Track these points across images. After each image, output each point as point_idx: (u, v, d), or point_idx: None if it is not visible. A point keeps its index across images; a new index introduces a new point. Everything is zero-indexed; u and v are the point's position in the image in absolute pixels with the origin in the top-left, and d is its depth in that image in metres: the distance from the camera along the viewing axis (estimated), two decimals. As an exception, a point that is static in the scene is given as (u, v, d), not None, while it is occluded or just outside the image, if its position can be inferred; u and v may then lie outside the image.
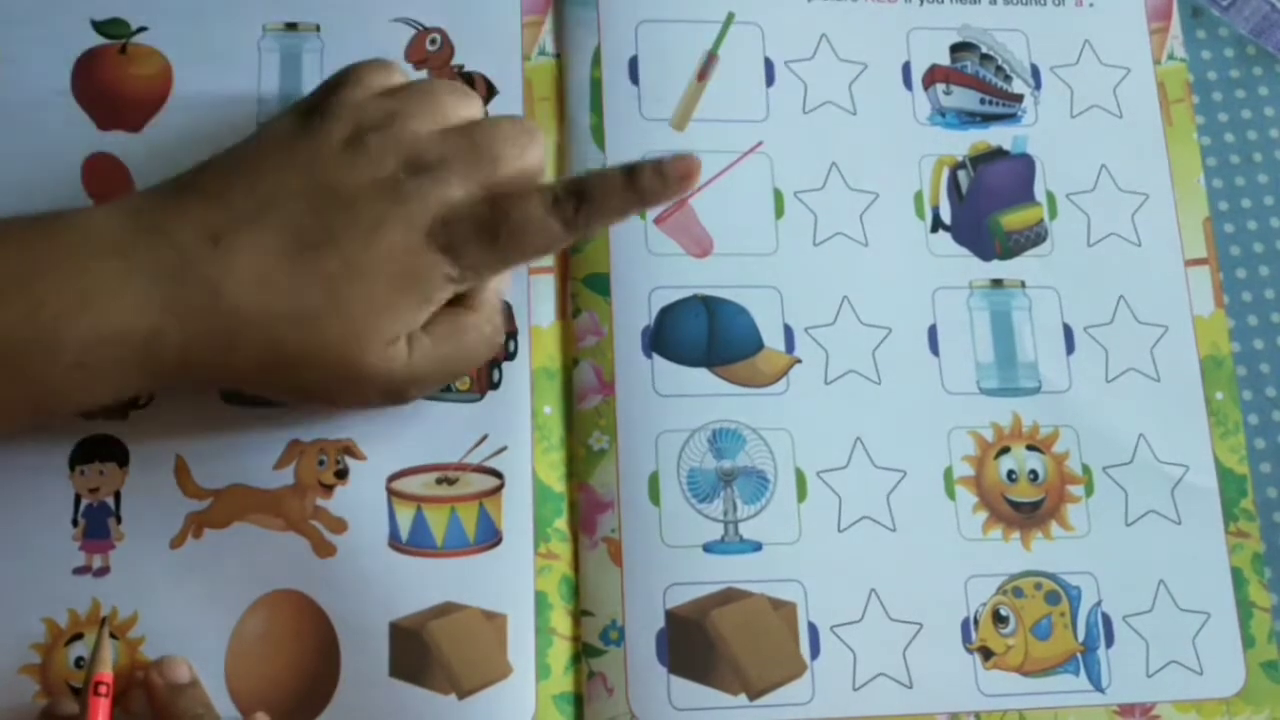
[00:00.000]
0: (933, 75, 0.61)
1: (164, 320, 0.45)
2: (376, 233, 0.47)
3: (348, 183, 0.47)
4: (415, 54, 0.57)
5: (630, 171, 0.48)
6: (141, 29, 0.57)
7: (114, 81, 0.56)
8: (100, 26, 0.57)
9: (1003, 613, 0.55)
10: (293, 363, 0.48)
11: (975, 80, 0.61)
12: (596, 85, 0.58)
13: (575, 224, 0.49)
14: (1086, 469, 0.57)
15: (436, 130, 0.49)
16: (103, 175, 0.55)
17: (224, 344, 0.46)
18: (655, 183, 0.48)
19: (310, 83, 0.56)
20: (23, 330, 0.45)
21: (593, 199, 0.48)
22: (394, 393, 0.50)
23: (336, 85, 0.50)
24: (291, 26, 0.57)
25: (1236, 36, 0.63)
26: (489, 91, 0.57)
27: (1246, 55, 0.63)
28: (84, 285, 0.45)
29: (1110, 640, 0.55)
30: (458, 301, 0.50)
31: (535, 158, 0.50)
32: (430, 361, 0.49)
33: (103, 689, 0.47)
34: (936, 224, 0.59)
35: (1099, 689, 0.54)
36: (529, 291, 0.56)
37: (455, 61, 0.57)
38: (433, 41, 0.58)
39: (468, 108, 0.51)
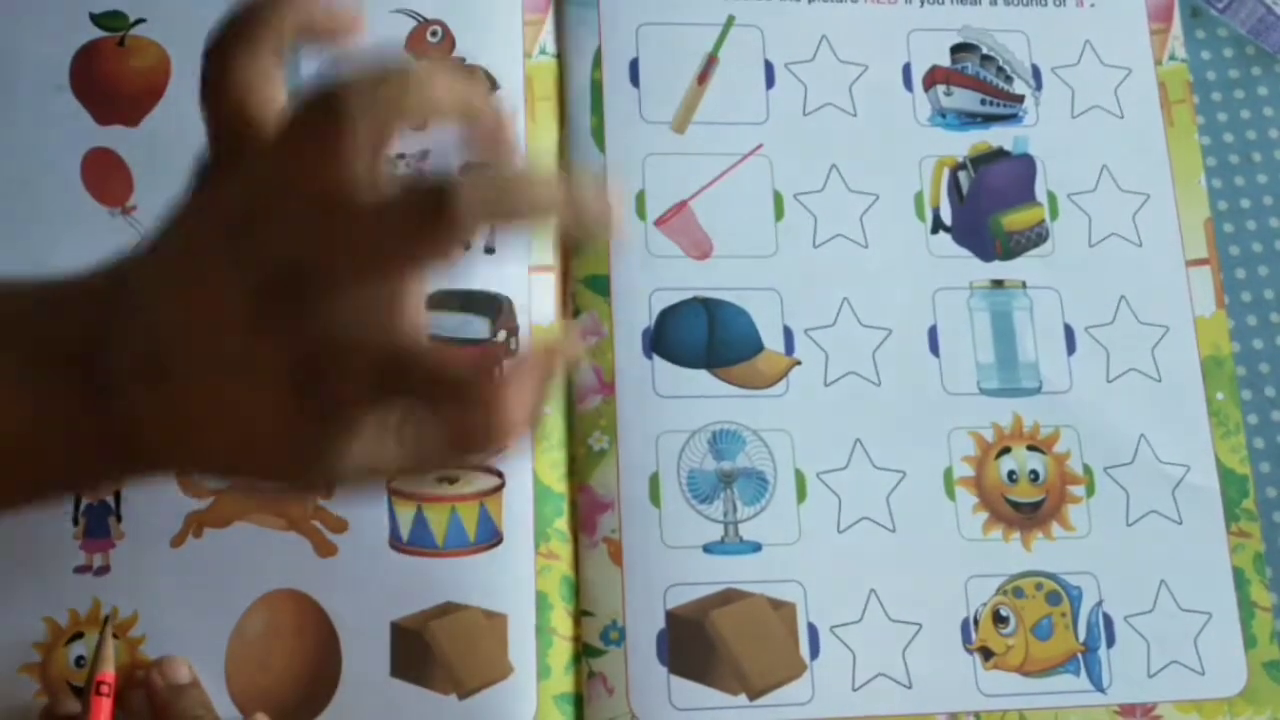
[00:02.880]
0: (933, 76, 0.61)
1: (75, 412, 0.37)
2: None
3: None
4: (416, 46, 0.57)
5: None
6: (140, 21, 0.57)
7: (113, 75, 0.56)
8: (99, 19, 0.57)
9: (1003, 613, 0.55)
10: (244, 480, 0.40)
11: (976, 81, 0.61)
12: (597, 87, 0.59)
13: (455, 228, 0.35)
14: (1087, 469, 0.57)
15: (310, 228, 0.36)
16: (102, 170, 0.55)
17: (132, 444, 0.38)
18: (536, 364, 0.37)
19: (309, 73, 0.56)
20: None
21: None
22: (400, 476, 0.42)
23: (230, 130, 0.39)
24: (291, 20, 0.57)
25: (1236, 37, 0.63)
26: (490, 85, 0.57)
27: (1246, 55, 0.63)
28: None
29: (1111, 640, 0.55)
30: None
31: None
32: (434, 441, 0.38)
33: (105, 688, 0.47)
34: (937, 225, 0.59)
35: (1100, 689, 0.54)
36: (530, 291, 0.56)
37: (456, 54, 0.57)
38: (434, 33, 0.58)
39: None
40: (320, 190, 0.36)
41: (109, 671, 0.48)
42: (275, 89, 0.39)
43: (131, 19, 0.57)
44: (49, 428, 0.38)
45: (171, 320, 0.37)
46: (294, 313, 0.36)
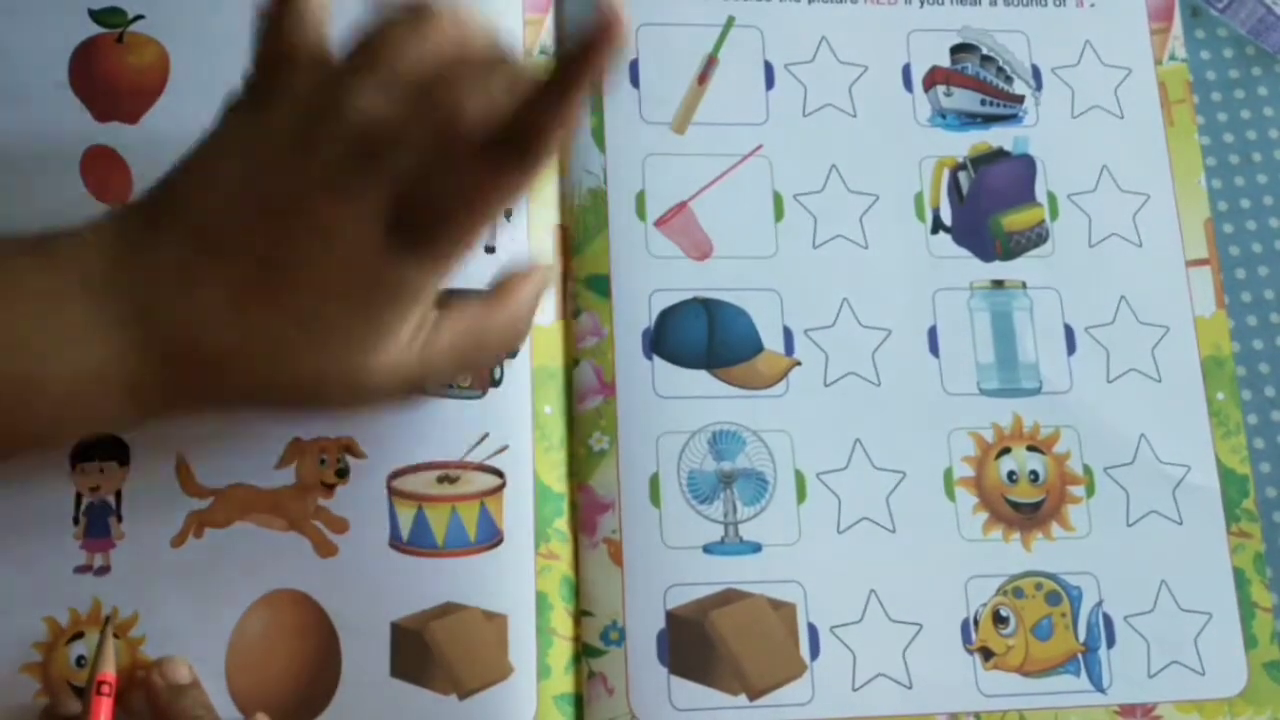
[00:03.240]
0: (933, 77, 0.61)
1: (143, 362, 0.44)
2: (331, 242, 0.43)
3: (297, 187, 0.44)
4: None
5: (553, 68, 0.42)
6: (138, 17, 0.57)
7: (111, 71, 0.56)
8: (98, 16, 0.57)
9: (1003, 613, 0.55)
10: (284, 395, 0.46)
11: (976, 81, 0.61)
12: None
13: (516, 163, 0.43)
14: (1087, 469, 0.57)
15: (393, 93, 0.44)
16: (101, 167, 0.55)
17: (206, 382, 0.45)
18: (580, 58, 0.41)
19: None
20: (4, 369, 0.43)
21: (522, 116, 0.42)
22: (411, 390, 0.48)
23: (277, 57, 0.46)
24: (291, 15, 0.57)
25: (1236, 37, 0.63)
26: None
27: (1246, 55, 0.63)
28: (66, 325, 0.44)
29: (1111, 640, 0.55)
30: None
31: (502, 84, 0.44)
32: (445, 349, 0.47)
33: (105, 688, 0.47)
34: (937, 225, 0.59)
35: (1100, 689, 0.54)
36: (530, 291, 0.56)
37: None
38: (434, 37, 0.58)
39: (437, 41, 0.45)
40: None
41: (110, 671, 0.48)
42: (326, 23, 0.47)
43: (130, 16, 0.57)
44: (115, 378, 0.44)
45: (257, 225, 0.44)
46: (374, 168, 0.43)
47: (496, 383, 0.54)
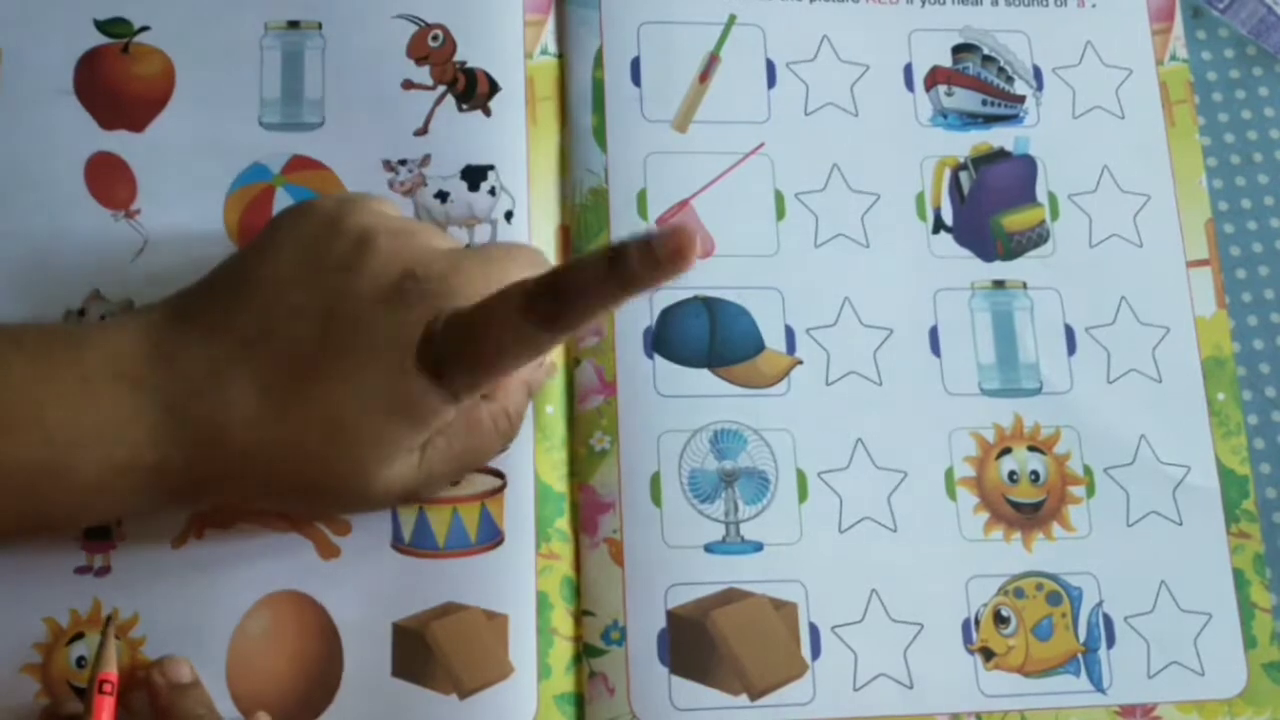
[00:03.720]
0: (934, 76, 0.61)
1: (172, 452, 0.45)
2: (376, 353, 0.45)
3: (349, 298, 0.46)
4: (417, 50, 0.57)
5: (615, 255, 0.41)
6: (144, 28, 0.57)
7: (116, 81, 0.56)
8: (103, 26, 0.56)
9: (1004, 613, 0.55)
10: (299, 492, 0.48)
11: (977, 81, 0.61)
12: (598, 86, 0.58)
13: (557, 325, 0.43)
14: (1088, 470, 0.57)
15: (449, 249, 0.48)
16: (106, 175, 0.55)
17: (228, 475, 0.46)
18: (643, 266, 0.40)
19: (313, 81, 0.56)
20: (37, 457, 0.44)
21: (570, 296, 0.43)
22: (408, 499, 0.51)
23: (348, 203, 0.49)
24: (294, 24, 0.57)
25: (1236, 37, 0.63)
26: (491, 88, 0.57)
27: (1246, 55, 0.63)
28: (97, 416, 0.45)
29: (1111, 641, 0.55)
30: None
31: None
32: (444, 462, 0.49)
33: (107, 687, 0.47)
34: (938, 225, 0.59)
35: (1100, 690, 0.54)
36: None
37: (457, 58, 0.57)
38: (434, 38, 0.58)
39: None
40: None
41: (111, 670, 0.48)
42: None
43: (136, 26, 0.57)
44: (143, 468, 0.46)
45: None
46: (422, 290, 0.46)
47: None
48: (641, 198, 0.57)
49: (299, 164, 0.56)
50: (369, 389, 0.45)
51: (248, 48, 0.57)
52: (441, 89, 0.57)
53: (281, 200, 0.55)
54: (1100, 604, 0.55)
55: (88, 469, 0.45)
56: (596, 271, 0.41)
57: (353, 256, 0.47)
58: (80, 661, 0.50)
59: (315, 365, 0.45)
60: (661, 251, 0.40)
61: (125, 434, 0.45)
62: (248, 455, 0.46)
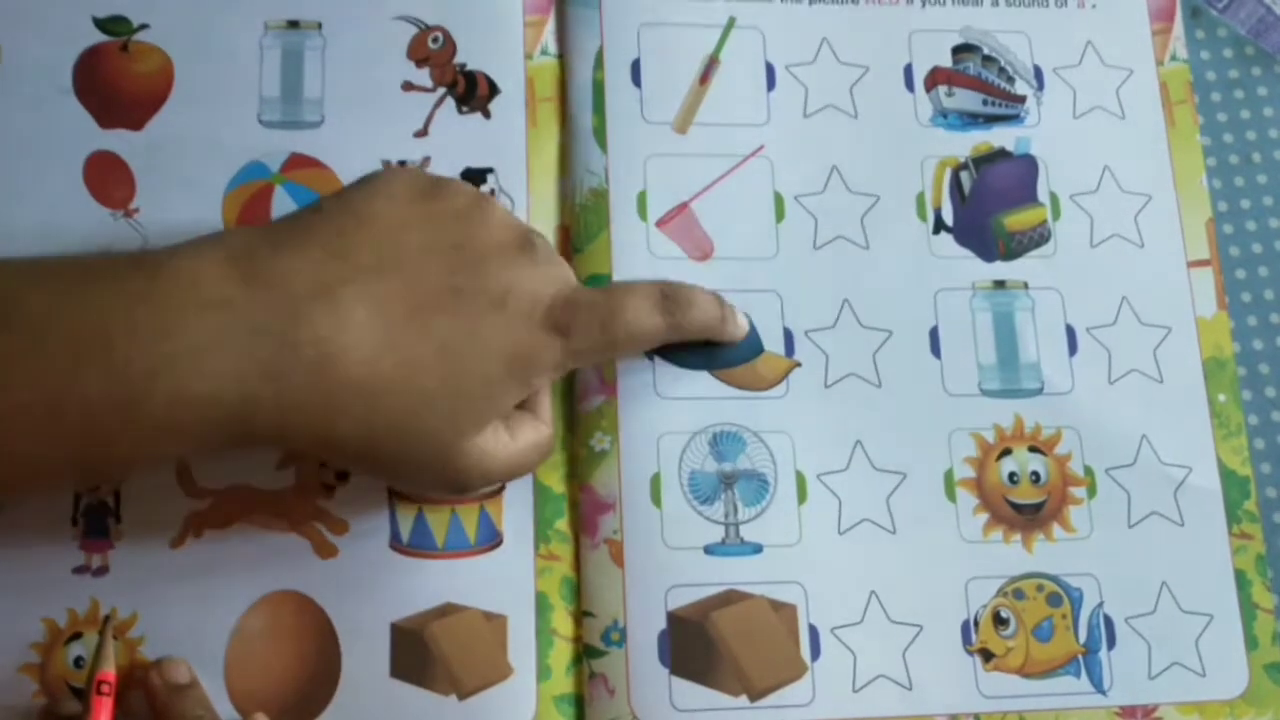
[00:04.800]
0: (935, 77, 0.61)
1: (261, 386, 0.42)
2: (503, 298, 0.46)
3: (477, 241, 0.46)
4: (417, 52, 0.57)
5: (723, 305, 0.54)
6: (143, 26, 0.57)
7: (115, 79, 0.56)
8: (102, 24, 0.57)
9: (1003, 614, 0.54)
10: (389, 441, 0.45)
11: (977, 82, 0.61)
12: (599, 87, 0.58)
13: (678, 326, 0.51)
14: (1089, 470, 0.57)
15: None
16: (104, 173, 0.55)
17: (324, 415, 0.44)
18: (732, 328, 0.54)
19: (312, 80, 0.57)
20: (102, 391, 0.41)
21: (691, 309, 0.52)
22: (462, 485, 0.48)
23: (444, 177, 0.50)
24: (293, 24, 0.57)
25: (1236, 37, 0.63)
26: (490, 90, 0.58)
27: (1245, 55, 0.63)
28: (178, 343, 0.42)
29: (1112, 642, 0.55)
30: (524, 406, 0.50)
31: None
32: (501, 461, 0.48)
33: (105, 688, 0.47)
34: (939, 225, 0.59)
35: (1100, 691, 0.54)
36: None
37: (457, 60, 0.58)
38: (435, 40, 0.58)
39: None
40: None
41: (110, 671, 0.48)
42: None
43: (135, 24, 0.57)
44: (221, 405, 0.43)
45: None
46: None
47: None
48: (641, 199, 0.57)
49: (298, 162, 0.56)
50: (492, 332, 0.45)
51: (247, 46, 0.57)
52: (441, 91, 0.57)
53: (280, 198, 0.55)
54: (1101, 605, 0.55)
55: (160, 405, 0.42)
56: (711, 306, 0.53)
57: (471, 209, 0.47)
58: (78, 661, 0.50)
59: (441, 301, 0.45)
60: (736, 331, 0.55)
61: (204, 364, 0.42)
62: (353, 386, 0.43)
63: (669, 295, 0.51)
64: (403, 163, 0.56)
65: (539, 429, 0.50)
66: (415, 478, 0.49)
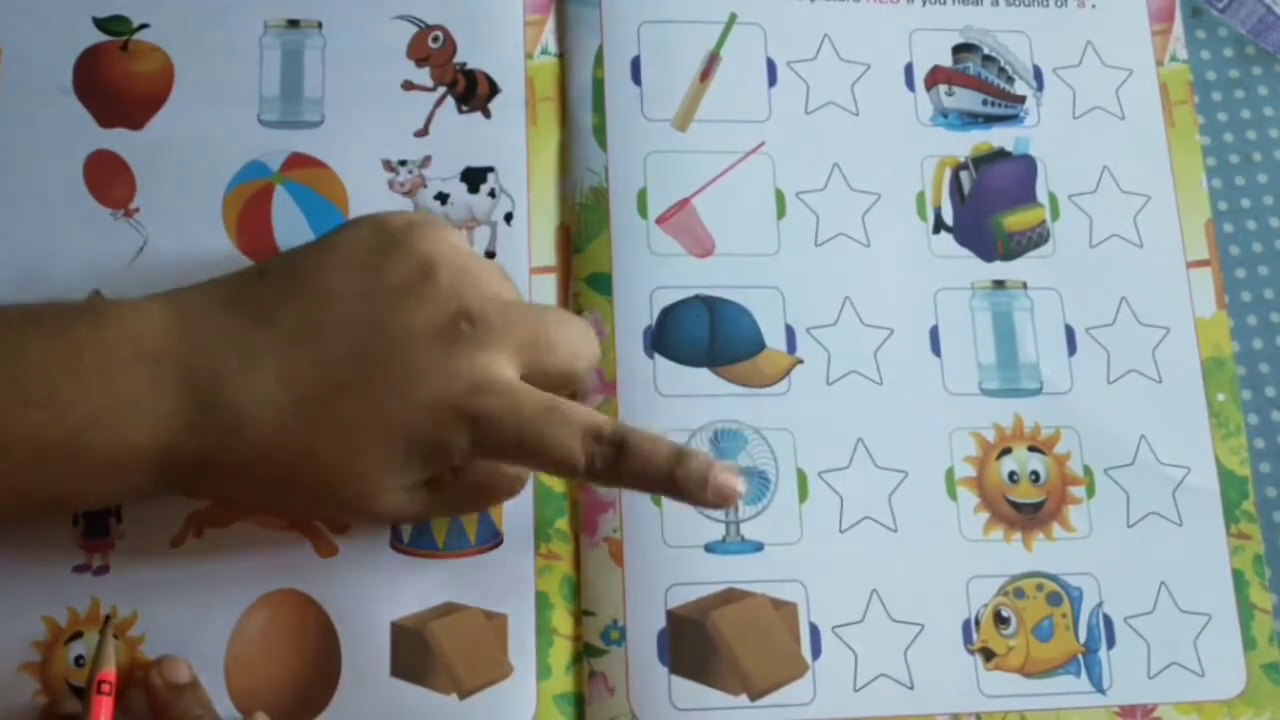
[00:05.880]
0: (935, 76, 0.61)
1: (185, 439, 0.45)
2: (411, 386, 0.45)
3: (398, 324, 0.46)
4: (417, 51, 0.57)
5: (680, 458, 0.46)
6: (143, 26, 0.57)
7: (116, 79, 0.56)
8: (102, 23, 0.56)
9: (1004, 614, 0.55)
10: (302, 494, 0.48)
11: (977, 81, 0.61)
12: (599, 85, 0.58)
13: (599, 473, 0.46)
14: (1088, 470, 0.57)
15: (505, 300, 0.48)
16: (104, 172, 0.55)
17: (240, 468, 0.46)
18: (695, 486, 0.46)
19: (312, 80, 0.56)
20: (48, 436, 0.44)
21: (631, 462, 0.46)
22: (402, 522, 0.52)
23: (419, 226, 0.48)
24: (293, 23, 0.57)
25: (1236, 36, 0.63)
26: (491, 90, 0.57)
27: (1246, 55, 0.63)
28: (113, 395, 0.44)
29: (1111, 641, 0.55)
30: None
31: (587, 363, 0.50)
32: (447, 504, 0.50)
33: (105, 687, 0.47)
34: (939, 225, 0.59)
35: (1100, 690, 0.54)
36: (531, 291, 0.56)
37: (457, 59, 0.57)
38: (435, 39, 0.58)
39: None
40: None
41: (110, 670, 0.47)
42: None
43: (135, 24, 0.57)
44: (154, 451, 0.45)
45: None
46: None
47: None
48: (642, 197, 0.57)
49: (298, 161, 0.56)
50: (399, 416, 0.45)
51: (247, 46, 0.57)
52: (441, 90, 0.57)
53: (280, 198, 0.55)
54: (1100, 604, 0.55)
55: (99, 449, 0.44)
56: (660, 460, 0.46)
57: (413, 282, 0.46)
58: (79, 661, 0.50)
59: (350, 381, 0.45)
60: (712, 490, 0.46)
61: (142, 415, 0.44)
62: (264, 451, 0.45)
63: (605, 439, 0.46)
64: (402, 162, 0.56)
65: (499, 475, 0.50)
66: (343, 518, 0.52)
